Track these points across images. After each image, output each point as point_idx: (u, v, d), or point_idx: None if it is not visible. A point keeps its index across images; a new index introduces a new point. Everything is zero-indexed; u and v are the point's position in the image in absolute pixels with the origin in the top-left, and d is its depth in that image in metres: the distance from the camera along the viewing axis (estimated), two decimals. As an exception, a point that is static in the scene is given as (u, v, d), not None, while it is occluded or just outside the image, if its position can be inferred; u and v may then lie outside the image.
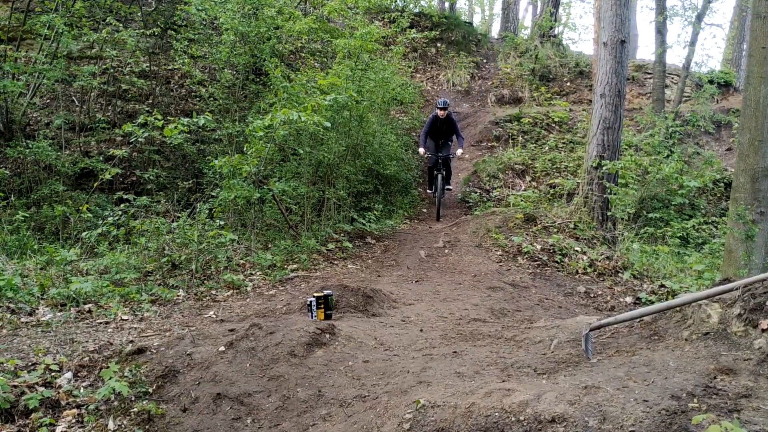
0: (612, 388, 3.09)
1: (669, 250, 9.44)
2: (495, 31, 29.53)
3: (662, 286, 7.81)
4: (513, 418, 2.96)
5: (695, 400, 2.88)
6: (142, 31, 12.00)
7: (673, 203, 11.93)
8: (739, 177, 8.10)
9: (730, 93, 18.31)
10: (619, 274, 8.28)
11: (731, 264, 7.99)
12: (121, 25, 11.57)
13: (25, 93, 11.10)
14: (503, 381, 3.59)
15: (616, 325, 4.09)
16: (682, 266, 8.96)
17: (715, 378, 3.08)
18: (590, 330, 3.88)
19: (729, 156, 14.31)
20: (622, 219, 9.78)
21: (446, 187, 12.05)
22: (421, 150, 11.82)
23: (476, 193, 12.92)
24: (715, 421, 2.51)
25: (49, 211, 9.20)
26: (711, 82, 18.12)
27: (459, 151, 11.86)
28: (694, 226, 11.28)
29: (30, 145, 10.02)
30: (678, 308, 3.85)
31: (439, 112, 11.53)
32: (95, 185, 9.70)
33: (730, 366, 3.16)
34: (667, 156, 13.41)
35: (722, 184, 12.78)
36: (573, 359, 3.86)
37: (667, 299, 6.84)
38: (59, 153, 10.58)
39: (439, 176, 11.69)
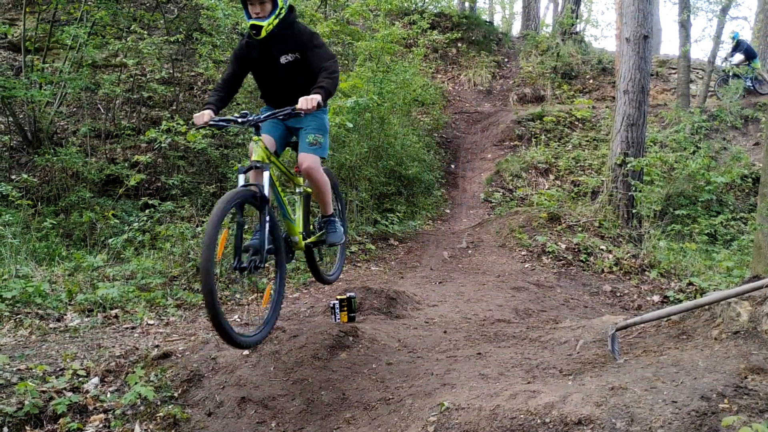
0: (640, 389, 3.04)
1: (696, 247, 9.29)
2: (516, 29, 29.40)
3: (690, 284, 7.69)
4: (538, 421, 2.93)
5: (726, 401, 2.82)
6: (165, 38, 12.12)
7: (700, 200, 11.74)
8: (768, 172, 7.95)
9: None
10: (646, 273, 8.17)
11: (760, 261, 7.83)
12: (145, 33, 11.71)
13: (51, 102, 11.28)
14: (528, 382, 3.55)
15: (642, 325, 4.03)
16: (710, 263, 8.82)
17: (745, 378, 3.02)
18: (616, 330, 3.83)
19: (757, 151, 14.05)
20: (648, 216, 9.65)
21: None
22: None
23: (499, 192, 12.86)
24: (746, 423, 2.45)
25: (77, 217, 9.33)
26: (737, 76, 17.82)
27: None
28: (722, 222, 11.08)
29: (58, 153, 10.17)
30: (706, 307, 3.78)
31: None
32: (121, 191, 9.81)
33: (761, 365, 3.09)
34: (694, 152, 13.20)
35: (750, 180, 12.54)
36: (599, 360, 3.81)
37: (695, 297, 6.73)
38: (86, 160, 10.74)
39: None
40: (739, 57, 16.57)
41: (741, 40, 16.66)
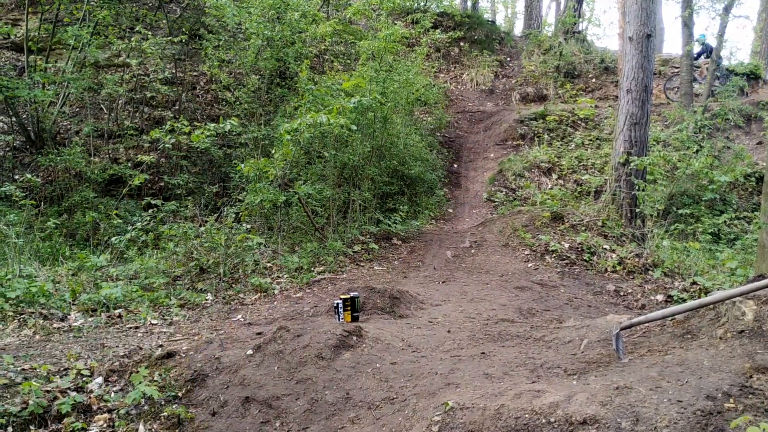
0: (645, 389, 3.03)
1: (700, 246, 9.27)
2: (518, 29, 29.33)
3: (694, 283, 7.67)
4: (543, 420, 2.92)
5: (731, 401, 2.81)
6: (168, 38, 12.14)
7: (703, 199, 11.72)
8: (772, 171, 7.91)
9: (759, 86, 17.93)
10: (650, 272, 8.15)
11: (765, 260, 7.80)
12: (149, 33, 11.71)
13: (54, 102, 11.30)
14: (533, 382, 3.54)
15: (647, 324, 4.02)
16: (714, 263, 8.80)
17: (751, 377, 3.01)
18: (621, 329, 3.82)
19: (760, 150, 14.01)
20: (651, 216, 9.63)
21: None
22: None
23: (502, 192, 12.83)
24: (752, 422, 2.44)
25: (81, 217, 9.34)
26: (738, 74, 17.76)
27: None
28: (725, 221, 11.06)
29: (61, 153, 10.19)
30: (711, 306, 3.77)
31: None
32: (124, 191, 9.82)
33: (767, 365, 3.08)
34: (697, 151, 13.17)
35: (754, 179, 12.52)
36: (604, 359, 3.80)
37: (699, 297, 6.71)
38: (89, 160, 10.75)
39: None
40: (703, 59, 16.82)
41: (706, 43, 16.85)
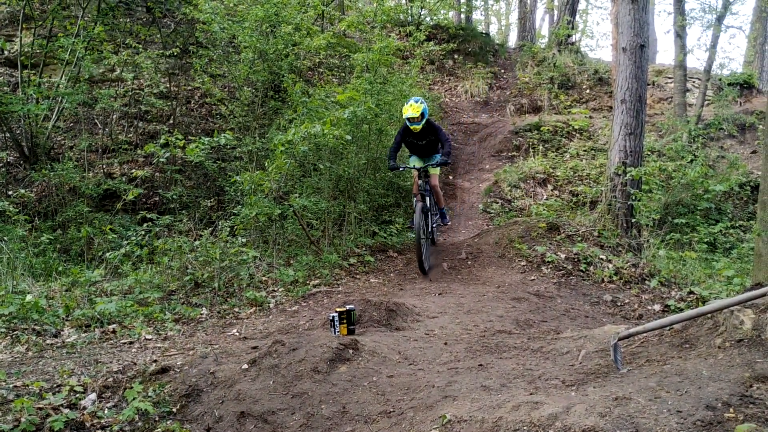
0: (644, 399, 3.00)
1: (696, 255, 9.26)
2: (512, 40, 29.54)
3: (691, 292, 7.66)
4: (542, 432, 2.88)
5: (731, 410, 2.79)
6: (161, 52, 12.15)
7: (698, 208, 11.73)
8: (767, 179, 7.93)
9: (753, 95, 18.03)
10: (646, 282, 8.13)
11: (761, 268, 7.81)
12: (141, 47, 11.71)
13: (49, 117, 11.28)
14: (531, 394, 3.51)
15: (645, 334, 3.99)
16: (710, 272, 8.79)
17: (751, 386, 2.98)
18: (619, 339, 3.80)
19: (754, 159, 14.08)
20: (647, 225, 9.63)
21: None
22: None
23: (498, 203, 12.83)
24: (756, 431, 2.42)
25: (75, 232, 9.30)
26: (731, 84, 17.86)
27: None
28: (721, 230, 11.08)
29: (55, 168, 10.16)
30: (709, 315, 3.75)
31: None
32: (119, 206, 9.78)
33: (767, 373, 3.06)
34: (691, 160, 13.22)
35: (748, 188, 12.57)
36: (602, 370, 3.77)
37: (696, 306, 6.69)
38: (83, 175, 10.72)
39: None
40: None
41: None
